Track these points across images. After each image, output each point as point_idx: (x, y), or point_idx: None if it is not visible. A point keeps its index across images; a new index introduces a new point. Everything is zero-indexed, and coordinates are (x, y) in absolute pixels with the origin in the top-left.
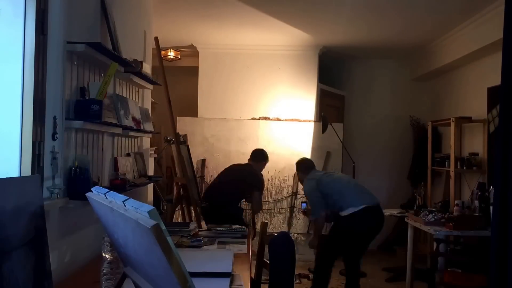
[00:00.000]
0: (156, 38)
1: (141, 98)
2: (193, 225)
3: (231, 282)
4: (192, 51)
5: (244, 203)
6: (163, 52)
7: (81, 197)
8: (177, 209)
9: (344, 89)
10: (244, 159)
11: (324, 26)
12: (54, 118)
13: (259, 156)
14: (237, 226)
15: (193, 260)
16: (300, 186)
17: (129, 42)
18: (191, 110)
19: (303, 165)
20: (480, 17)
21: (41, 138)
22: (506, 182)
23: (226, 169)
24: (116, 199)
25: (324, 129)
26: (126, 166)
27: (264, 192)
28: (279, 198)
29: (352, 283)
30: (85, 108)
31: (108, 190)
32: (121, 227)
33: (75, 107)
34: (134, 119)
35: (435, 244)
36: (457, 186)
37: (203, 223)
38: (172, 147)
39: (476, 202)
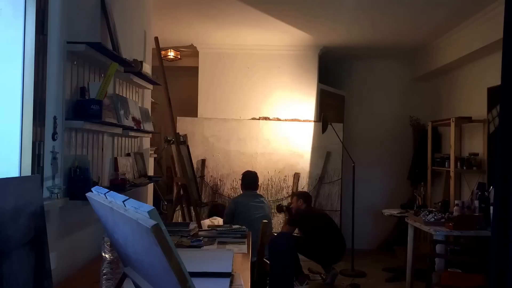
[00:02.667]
0: (156, 38)
1: (141, 98)
2: (193, 225)
3: (231, 282)
4: (192, 51)
5: None
6: (163, 52)
7: (81, 197)
8: (177, 209)
9: (344, 89)
10: (244, 159)
11: (324, 26)
12: (54, 118)
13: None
14: (237, 226)
15: (193, 260)
16: (301, 186)
17: (129, 42)
18: (191, 110)
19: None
20: (480, 17)
21: (41, 138)
22: (506, 182)
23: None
24: (116, 199)
25: (324, 129)
26: (126, 166)
27: (264, 192)
28: (279, 198)
29: None
30: (85, 108)
31: (108, 190)
32: (121, 227)
33: (75, 107)
34: (134, 119)
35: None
36: (457, 186)
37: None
38: (172, 147)
39: (476, 202)
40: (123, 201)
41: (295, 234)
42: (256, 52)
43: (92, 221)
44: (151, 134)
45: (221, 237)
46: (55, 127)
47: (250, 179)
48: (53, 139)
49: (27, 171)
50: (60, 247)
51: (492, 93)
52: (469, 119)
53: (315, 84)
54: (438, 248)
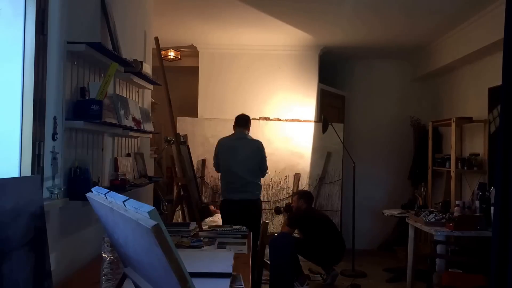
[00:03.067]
0: (156, 38)
1: (141, 98)
2: (193, 226)
3: (232, 283)
4: (192, 51)
5: None
6: (163, 52)
7: (81, 198)
8: (177, 209)
9: (345, 89)
10: None
11: (325, 26)
12: (54, 118)
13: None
14: (238, 226)
15: (194, 260)
16: (301, 186)
17: (129, 42)
18: (191, 110)
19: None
20: (481, 17)
21: (41, 138)
22: (507, 182)
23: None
24: (116, 199)
25: (324, 129)
26: (126, 166)
27: (264, 192)
28: (279, 199)
29: None
30: (85, 108)
31: (108, 190)
32: (121, 228)
33: (75, 107)
34: (134, 119)
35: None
36: (458, 186)
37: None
38: (172, 147)
39: (477, 203)
40: (123, 202)
41: (295, 235)
42: (256, 52)
43: (92, 222)
44: (151, 134)
45: (221, 237)
46: (55, 127)
47: (238, 118)
48: (53, 139)
49: (27, 171)
50: (60, 248)
51: (493, 93)
52: (469, 119)
53: (315, 84)
54: (439, 248)
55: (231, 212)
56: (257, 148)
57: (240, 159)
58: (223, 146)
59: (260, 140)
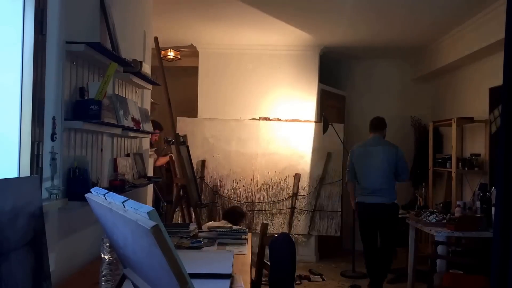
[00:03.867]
0: (156, 38)
1: (141, 98)
2: (193, 226)
3: (231, 284)
4: (192, 51)
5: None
6: (163, 52)
7: (80, 198)
8: (177, 210)
9: (345, 89)
10: (244, 159)
11: (325, 26)
12: (53, 118)
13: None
14: (238, 227)
15: (193, 261)
16: (301, 187)
17: (129, 42)
18: (191, 110)
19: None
20: (482, 16)
21: (40, 139)
22: (508, 182)
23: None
24: (115, 200)
25: (324, 129)
26: (126, 166)
27: (264, 193)
28: (279, 199)
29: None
30: (84, 109)
31: (107, 191)
32: (121, 228)
33: (74, 107)
34: (133, 119)
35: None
36: (459, 187)
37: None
38: (172, 148)
39: (478, 203)
40: (123, 202)
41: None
42: (256, 52)
43: (91, 222)
44: (150, 134)
45: (221, 238)
46: (54, 128)
47: (371, 121)
48: (52, 139)
49: (26, 172)
50: (59, 248)
51: (494, 93)
52: (470, 120)
53: (315, 84)
54: (440, 249)
55: (364, 213)
56: (394, 155)
57: (374, 166)
58: (356, 154)
59: (260, 140)
